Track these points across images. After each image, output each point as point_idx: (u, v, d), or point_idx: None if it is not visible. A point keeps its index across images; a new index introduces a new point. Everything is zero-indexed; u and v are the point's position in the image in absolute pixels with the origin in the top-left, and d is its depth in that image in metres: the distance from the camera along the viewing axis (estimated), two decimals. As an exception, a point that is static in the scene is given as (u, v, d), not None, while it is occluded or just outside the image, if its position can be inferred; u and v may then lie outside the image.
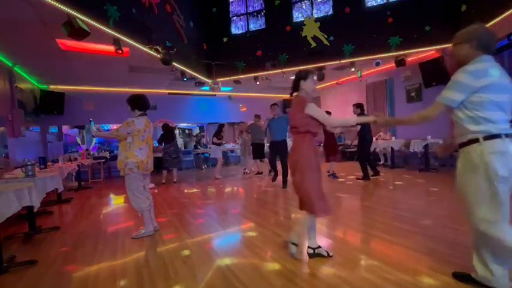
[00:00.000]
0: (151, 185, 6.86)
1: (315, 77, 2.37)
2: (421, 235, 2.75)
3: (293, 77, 2.40)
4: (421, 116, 1.82)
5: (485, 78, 1.56)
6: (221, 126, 7.67)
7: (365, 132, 5.80)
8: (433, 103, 1.76)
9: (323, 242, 2.76)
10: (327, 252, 2.37)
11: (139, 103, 3.19)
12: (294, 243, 2.37)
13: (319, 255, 2.37)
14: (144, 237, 3.14)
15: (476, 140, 1.59)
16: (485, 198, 1.57)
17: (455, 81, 1.63)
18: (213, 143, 7.58)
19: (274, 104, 5.86)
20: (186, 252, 2.67)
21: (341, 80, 9.38)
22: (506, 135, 1.55)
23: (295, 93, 2.38)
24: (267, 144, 9.23)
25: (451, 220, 3.12)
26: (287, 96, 12.12)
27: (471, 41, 1.66)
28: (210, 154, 9.34)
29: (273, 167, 6.14)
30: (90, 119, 3.36)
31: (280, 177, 5.86)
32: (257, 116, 7.09)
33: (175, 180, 7.10)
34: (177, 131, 13.03)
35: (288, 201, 4.56)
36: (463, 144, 1.68)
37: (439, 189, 4.72)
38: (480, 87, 1.56)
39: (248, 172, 7.90)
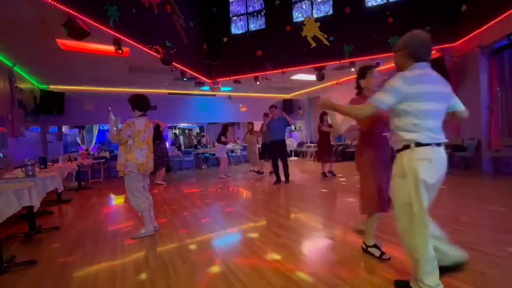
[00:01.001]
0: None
1: (375, 71, 2.30)
2: (421, 235, 2.74)
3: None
4: (354, 111, 1.80)
5: (416, 86, 1.57)
6: (226, 126, 7.73)
7: None
8: None
9: (323, 241, 2.77)
10: (380, 254, 2.28)
11: (140, 103, 3.19)
12: (370, 246, 2.35)
13: (371, 254, 2.32)
14: (144, 237, 3.14)
15: (408, 146, 1.63)
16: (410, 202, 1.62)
17: (389, 85, 1.62)
18: (220, 142, 7.59)
19: (273, 106, 5.92)
20: (186, 252, 2.67)
21: (341, 80, 9.37)
22: (437, 144, 1.61)
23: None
24: None
25: (451, 220, 3.12)
26: (287, 96, 12.13)
27: (403, 49, 1.69)
28: (215, 153, 9.34)
29: (275, 169, 6.07)
30: (109, 108, 3.20)
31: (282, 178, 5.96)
32: (266, 115, 7.08)
33: (157, 182, 6.95)
34: (176, 131, 13.08)
35: (288, 201, 4.56)
36: (398, 150, 1.71)
37: (439, 190, 4.71)
38: (412, 93, 1.57)
39: (261, 172, 7.93)
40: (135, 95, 3.24)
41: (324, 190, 5.21)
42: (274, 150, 5.99)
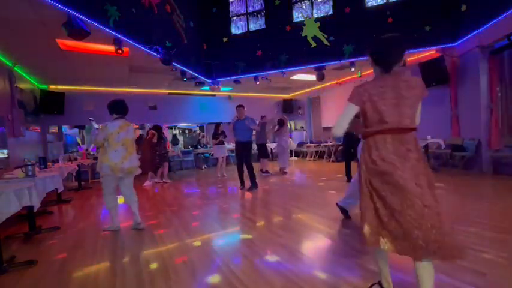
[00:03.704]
0: (148, 183, 6.90)
1: None
2: (421, 235, 2.74)
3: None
4: None
5: None
6: (217, 126, 7.76)
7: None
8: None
9: (323, 241, 2.77)
10: None
11: (115, 108, 3.41)
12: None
13: None
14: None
15: None
16: None
17: None
18: (213, 144, 7.76)
19: (240, 106, 5.71)
20: (186, 252, 2.67)
21: (341, 80, 9.37)
22: None
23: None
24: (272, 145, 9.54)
25: (452, 220, 3.12)
26: (287, 96, 12.13)
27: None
28: (212, 154, 9.46)
29: (238, 172, 5.78)
30: (90, 119, 3.50)
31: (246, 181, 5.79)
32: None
33: (164, 179, 7.18)
34: (176, 131, 13.08)
35: (288, 201, 4.56)
36: None
37: (439, 189, 4.71)
38: None
39: (286, 172, 7.85)
40: (112, 100, 3.45)
41: (320, 192, 5.21)
42: (238, 152, 5.73)
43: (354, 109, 1.57)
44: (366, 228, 1.53)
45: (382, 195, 1.49)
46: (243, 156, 5.66)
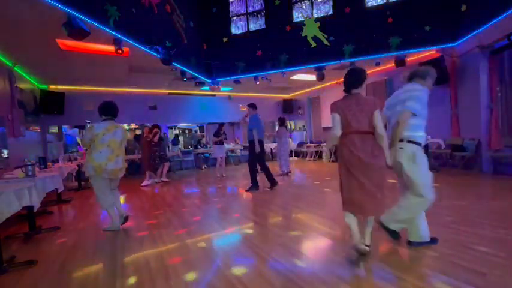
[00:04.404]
0: (147, 183, 6.89)
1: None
2: (421, 235, 2.74)
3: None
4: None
5: None
6: (221, 126, 7.77)
7: None
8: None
9: (323, 241, 2.77)
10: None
11: (103, 109, 3.45)
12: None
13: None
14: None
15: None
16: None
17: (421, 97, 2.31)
18: (213, 143, 7.77)
19: (248, 105, 5.71)
20: (187, 252, 2.67)
21: (341, 80, 9.35)
22: None
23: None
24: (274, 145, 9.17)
25: (452, 220, 3.12)
26: (287, 96, 12.12)
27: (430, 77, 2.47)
28: (211, 154, 9.46)
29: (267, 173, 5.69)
30: (87, 121, 3.52)
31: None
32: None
33: (162, 179, 7.28)
34: (176, 131, 13.09)
35: (288, 201, 4.56)
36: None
37: (439, 189, 4.71)
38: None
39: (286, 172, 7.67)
40: (102, 102, 3.47)
41: (320, 192, 5.21)
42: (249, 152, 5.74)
43: (338, 117, 2.26)
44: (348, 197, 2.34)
45: (353, 174, 2.24)
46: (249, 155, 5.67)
